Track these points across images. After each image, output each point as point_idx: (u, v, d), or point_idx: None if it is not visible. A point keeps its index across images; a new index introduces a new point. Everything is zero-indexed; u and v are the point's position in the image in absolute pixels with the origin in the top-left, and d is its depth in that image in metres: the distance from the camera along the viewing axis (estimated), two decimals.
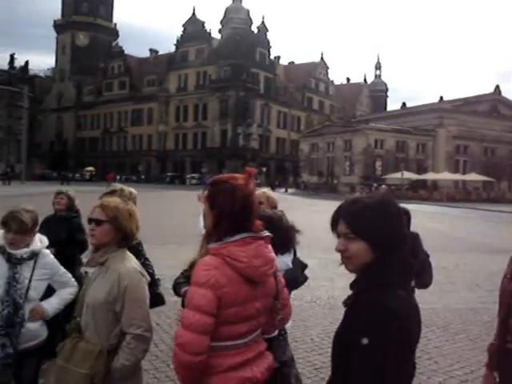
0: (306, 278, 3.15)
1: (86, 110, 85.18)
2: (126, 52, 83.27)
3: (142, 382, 2.72)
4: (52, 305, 3.09)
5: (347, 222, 1.61)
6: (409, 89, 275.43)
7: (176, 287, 2.61)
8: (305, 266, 3.15)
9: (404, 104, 63.00)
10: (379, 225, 1.58)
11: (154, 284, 3.24)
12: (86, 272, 6.12)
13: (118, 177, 54.17)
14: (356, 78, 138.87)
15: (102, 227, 2.51)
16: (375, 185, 41.83)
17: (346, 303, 1.68)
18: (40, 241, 3.10)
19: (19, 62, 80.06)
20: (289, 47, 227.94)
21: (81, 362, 2.41)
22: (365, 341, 1.49)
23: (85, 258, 2.76)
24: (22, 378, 2.98)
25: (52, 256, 3.15)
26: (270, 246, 2.10)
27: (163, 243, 11.04)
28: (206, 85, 70.79)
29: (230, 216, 1.98)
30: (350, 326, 1.60)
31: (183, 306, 2.31)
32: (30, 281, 2.97)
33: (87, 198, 5.36)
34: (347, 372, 1.55)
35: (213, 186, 2.08)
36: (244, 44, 68.87)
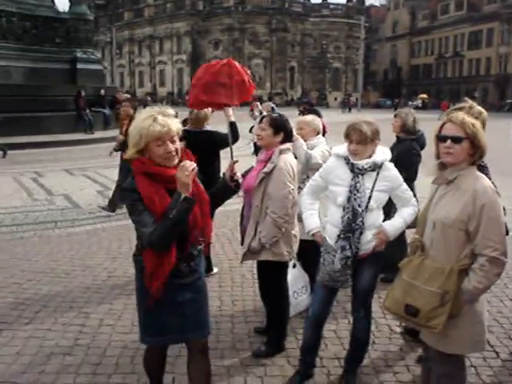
0: None
1: (420, 36, 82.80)
2: None
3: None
4: (394, 228, 3.14)
5: None
6: None
7: None
8: None
9: None
10: None
11: None
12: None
13: (451, 105, 51.90)
14: None
15: (461, 145, 2.39)
16: None
17: None
18: (383, 153, 3.14)
19: None
20: None
21: (430, 280, 2.40)
22: None
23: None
24: (359, 284, 3.19)
25: (395, 170, 3.16)
26: None
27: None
28: None
29: None
30: None
31: None
32: (371, 191, 3.06)
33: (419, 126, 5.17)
34: None
35: None
36: None
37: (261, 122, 3.70)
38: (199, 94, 3.28)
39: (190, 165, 2.35)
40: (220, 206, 3.03)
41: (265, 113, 11.39)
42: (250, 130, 11.69)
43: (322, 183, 3.33)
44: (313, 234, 3.33)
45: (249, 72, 3.38)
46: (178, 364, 3.52)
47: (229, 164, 2.84)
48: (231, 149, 3.18)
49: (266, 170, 3.49)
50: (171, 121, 2.43)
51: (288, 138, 3.62)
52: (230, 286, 5.02)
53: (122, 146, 7.34)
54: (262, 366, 3.60)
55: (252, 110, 12.06)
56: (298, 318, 4.23)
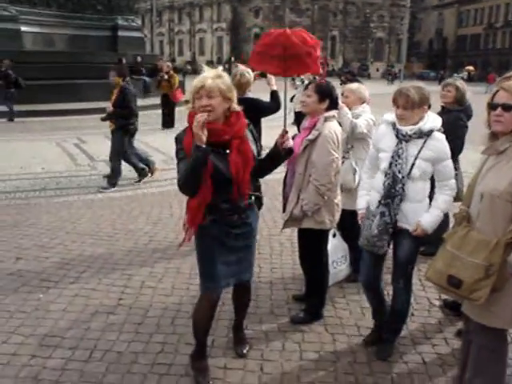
0: None
1: (469, 4, 79.61)
2: None
3: None
4: (432, 221, 3.08)
5: None
6: None
7: None
8: None
9: None
10: None
11: None
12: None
13: (497, 77, 49.91)
14: None
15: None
16: None
17: None
18: (432, 120, 3.05)
19: None
20: None
21: (475, 252, 2.35)
22: None
23: None
24: (399, 254, 3.19)
25: (445, 143, 3.06)
26: None
27: None
28: None
29: None
30: None
31: None
32: (415, 158, 3.01)
33: None
34: None
35: None
36: None
37: (306, 88, 3.65)
38: (252, 62, 3.25)
39: (200, 116, 2.50)
40: (270, 173, 3.04)
41: (306, 81, 11.28)
42: (291, 99, 11.61)
43: (375, 152, 3.29)
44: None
45: (317, 46, 3.12)
46: (218, 327, 3.59)
47: (281, 132, 2.84)
48: (285, 118, 3.13)
49: (310, 137, 3.46)
50: (214, 79, 2.62)
51: (333, 105, 3.56)
52: (269, 254, 5.05)
53: (111, 116, 7.45)
54: (299, 332, 3.64)
55: (293, 80, 11.96)
56: (336, 288, 4.24)
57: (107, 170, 8.80)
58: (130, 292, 4.18)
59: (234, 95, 2.73)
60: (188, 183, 2.66)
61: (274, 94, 4.91)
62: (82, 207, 6.66)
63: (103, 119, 7.62)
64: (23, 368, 3.17)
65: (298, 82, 11.52)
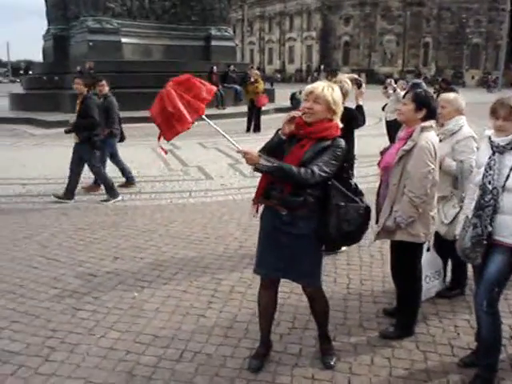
0: None
1: None
2: None
3: None
4: None
5: None
6: None
7: None
8: None
9: None
10: None
11: None
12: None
13: None
14: None
15: None
16: None
17: None
18: None
19: None
20: None
21: None
22: None
23: None
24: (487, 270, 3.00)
25: None
26: None
27: None
28: None
29: None
30: None
31: None
32: (510, 169, 2.87)
33: None
34: None
35: None
36: None
37: (404, 96, 3.57)
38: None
39: (294, 112, 2.96)
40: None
41: (398, 90, 11.01)
42: (383, 108, 11.39)
43: (477, 171, 3.17)
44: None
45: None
46: (306, 337, 3.58)
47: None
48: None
49: (405, 147, 3.37)
50: (325, 89, 2.95)
51: (431, 115, 3.45)
52: (359, 265, 4.97)
53: (74, 128, 7.26)
54: (389, 347, 3.54)
55: (386, 88, 11.71)
56: (428, 304, 4.09)
57: (200, 175, 9.11)
58: (220, 296, 4.27)
59: (339, 110, 3.02)
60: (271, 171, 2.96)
61: (360, 109, 4.91)
62: (175, 211, 6.91)
63: (66, 131, 7.44)
64: (119, 362, 3.33)
65: (390, 91, 11.25)
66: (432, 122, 3.45)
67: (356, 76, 5.29)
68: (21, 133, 15.74)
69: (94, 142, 7.23)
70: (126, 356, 3.40)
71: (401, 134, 3.56)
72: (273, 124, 17.90)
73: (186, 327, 3.77)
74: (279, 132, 3.01)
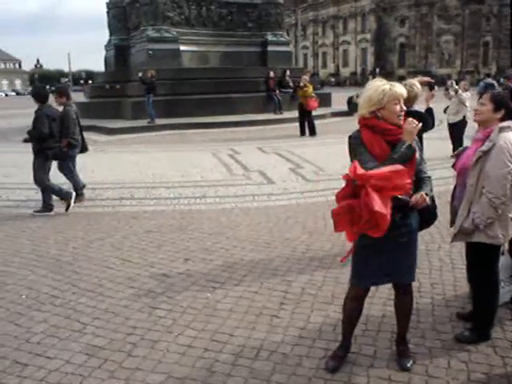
0: None
1: None
2: None
3: None
4: None
5: None
6: None
7: None
8: None
9: None
10: None
11: None
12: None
13: None
14: None
15: None
16: None
17: None
18: None
19: None
20: None
21: None
22: None
23: None
24: None
25: None
26: None
27: None
28: None
29: None
30: None
31: None
32: None
33: None
34: None
35: None
36: None
37: (480, 97, 3.54)
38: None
39: (417, 124, 2.95)
40: None
41: (460, 92, 10.77)
42: (445, 111, 11.16)
43: None
44: None
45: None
46: (380, 339, 3.59)
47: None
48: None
49: (483, 148, 3.33)
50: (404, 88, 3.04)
51: (509, 115, 3.40)
52: (428, 269, 4.91)
53: (32, 138, 7.29)
54: (465, 351, 3.50)
55: (447, 90, 11.48)
56: (503, 308, 4.00)
57: (262, 180, 9.23)
58: (291, 297, 4.34)
59: None
60: None
61: (430, 112, 4.87)
62: (240, 214, 7.04)
63: (24, 140, 7.58)
64: (198, 359, 3.44)
65: (451, 92, 11.02)
66: (510, 123, 3.40)
67: (428, 78, 5.25)
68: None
69: (46, 153, 7.32)
70: (205, 353, 3.51)
71: (477, 135, 3.53)
72: (330, 128, 17.94)
73: (260, 327, 3.86)
74: (408, 143, 2.93)
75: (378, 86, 3.00)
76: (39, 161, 7.34)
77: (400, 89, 2.98)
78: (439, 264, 5.04)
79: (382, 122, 3.00)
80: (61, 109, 7.76)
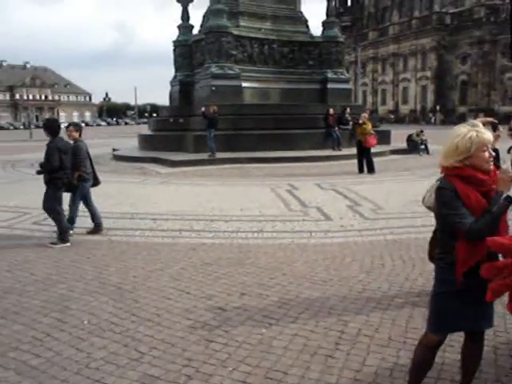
0: None
1: None
2: None
3: None
4: None
5: None
6: None
7: None
8: None
9: None
10: None
11: None
12: None
13: None
14: None
15: None
16: None
17: None
18: None
19: None
20: None
21: None
22: None
23: None
24: None
25: None
26: None
27: None
28: None
29: None
30: None
31: None
32: None
33: None
34: None
35: None
36: None
37: None
38: None
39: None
40: None
41: None
42: (509, 151, 10.80)
43: None
44: None
45: None
46: None
47: None
48: None
49: None
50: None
51: None
52: None
53: (45, 169, 7.52)
54: None
55: (511, 130, 11.15)
56: None
57: (319, 216, 9.22)
58: (347, 338, 4.28)
59: None
60: (487, 230, 2.77)
61: (496, 153, 4.81)
62: (297, 250, 7.05)
63: (37, 172, 7.80)
64: None
65: None
66: None
67: (491, 119, 5.17)
68: (148, 171, 16.98)
69: (56, 184, 7.60)
70: None
71: None
72: (389, 166, 17.78)
73: (314, 367, 3.82)
74: (506, 194, 2.81)
75: (464, 133, 2.89)
76: (50, 191, 7.70)
77: (487, 134, 2.89)
78: (503, 311, 4.83)
79: (479, 172, 2.86)
80: (71, 142, 8.16)
